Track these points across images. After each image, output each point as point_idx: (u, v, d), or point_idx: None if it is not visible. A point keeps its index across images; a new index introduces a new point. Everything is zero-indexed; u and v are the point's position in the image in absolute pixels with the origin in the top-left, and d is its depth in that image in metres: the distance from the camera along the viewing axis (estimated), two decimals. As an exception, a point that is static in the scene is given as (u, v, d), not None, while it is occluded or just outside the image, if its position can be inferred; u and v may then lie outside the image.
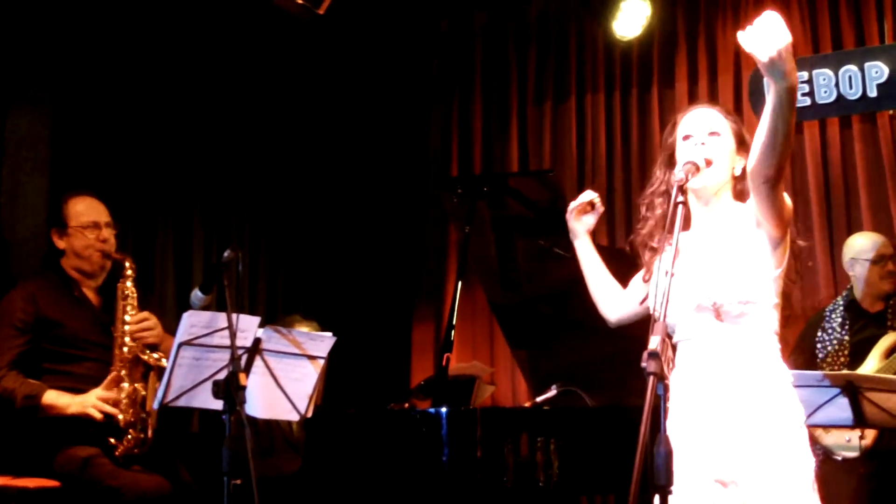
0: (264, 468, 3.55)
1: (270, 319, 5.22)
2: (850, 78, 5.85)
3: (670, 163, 3.27)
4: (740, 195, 3.21)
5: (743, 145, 3.22)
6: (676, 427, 3.10)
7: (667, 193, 3.26)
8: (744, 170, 3.17)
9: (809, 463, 3.03)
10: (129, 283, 4.49)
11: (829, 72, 5.91)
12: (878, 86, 5.79)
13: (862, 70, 5.81)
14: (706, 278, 3.11)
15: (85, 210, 4.56)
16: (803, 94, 5.99)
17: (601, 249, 5.82)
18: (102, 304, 4.59)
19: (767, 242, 3.10)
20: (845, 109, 5.95)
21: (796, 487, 2.98)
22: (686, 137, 3.21)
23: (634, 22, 6.47)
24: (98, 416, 4.25)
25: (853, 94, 5.85)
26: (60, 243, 4.55)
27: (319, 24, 6.46)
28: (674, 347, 3.18)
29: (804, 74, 5.98)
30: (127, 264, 4.51)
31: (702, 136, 3.19)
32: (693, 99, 6.48)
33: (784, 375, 3.08)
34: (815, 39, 6.18)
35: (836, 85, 5.89)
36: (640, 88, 6.73)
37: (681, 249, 3.16)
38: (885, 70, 5.75)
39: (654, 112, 6.64)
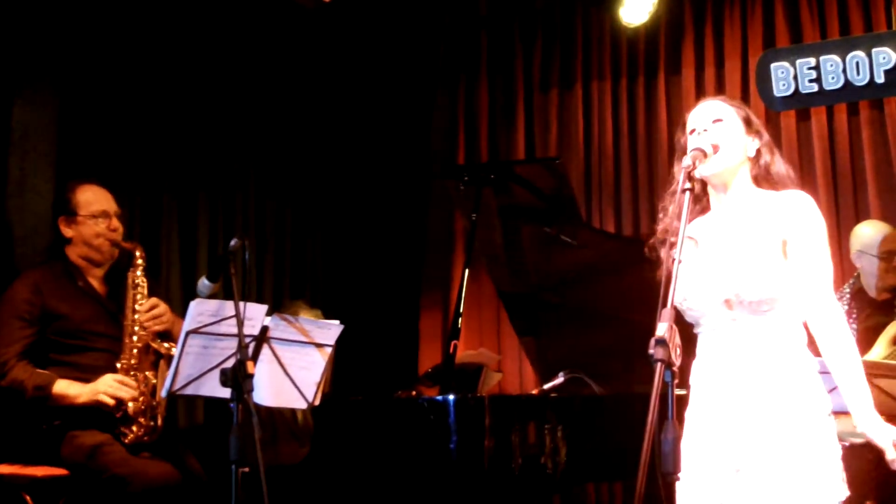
0: (267, 458, 3.55)
1: (277, 308, 5.22)
2: (857, 64, 5.83)
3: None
4: (758, 180, 3.19)
5: (751, 126, 3.20)
6: (699, 417, 3.11)
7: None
8: (758, 151, 3.17)
9: (837, 451, 3.00)
10: (139, 272, 4.50)
11: (836, 58, 5.89)
12: (886, 72, 5.77)
13: (869, 56, 5.79)
14: (731, 271, 3.06)
15: (94, 199, 4.56)
16: (810, 81, 5.98)
17: (608, 237, 5.87)
18: (108, 292, 4.59)
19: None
20: (853, 96, 5.94)
21: (824, 476, 2.95)
22: (692, 131, 3.19)
23: (641, 8, 6.45)
24: (109, 401, 4.26)
25: (861, 80, 5.83)
26: (68, 231, 4.54)
27: (325, 12, 6.47)
28: (681, 334, 3.17)
29: (811, 61, 5.97)
30: (137, 253, 4.52)
31: (705, 125, 3.17)
32: (700, 85, 6.48)
33: (810, 365, 3.04)
34: (822, 25, 6.16)
35: (844, 71, 5.87)
36: (646, 75, 6.71)
37: (701, 237, 3.18)
38: (893, 56, 5.73)
39: (661, 99, 6.63)
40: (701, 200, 3.22)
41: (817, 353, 3.13)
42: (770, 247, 3.06)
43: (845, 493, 2.96)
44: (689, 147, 3.15)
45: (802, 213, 3.08)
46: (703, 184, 3.19)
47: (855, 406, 2.96)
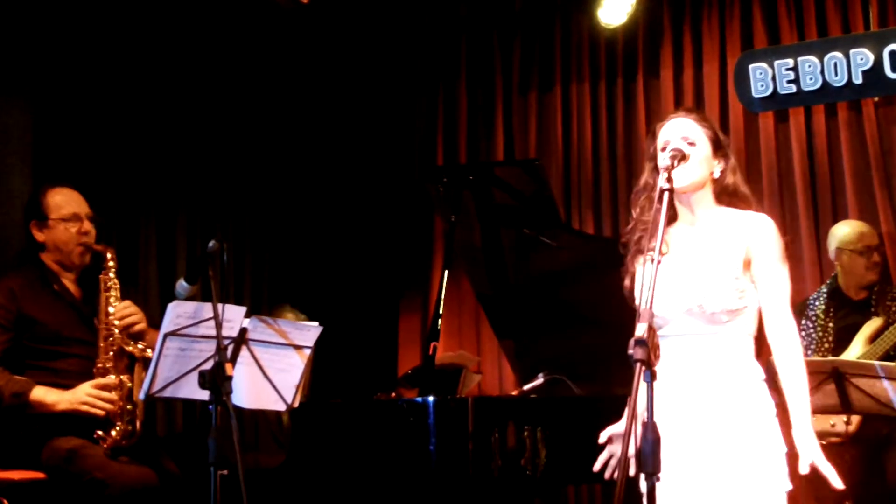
0: (248, 462, 3.53)
1: (256, 310, 5.20)
2: (835, 65, 5.84)
3: (657, 170, 3.37)
4: (720, 198, 3.40)
5: (719, 149, 3.39)
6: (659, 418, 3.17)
7: (654, 189, 3.36)
8: (722, 172, 3.38)
9: (782, 449, 3.23)
10: (111, 275, 4.46)
11: (814, 59, 5.90)
12: (864, 73, 5.78)
13: (847, 57, 5.80)
14: (698, 282, 3.26)
15: (65, 202, 4.52)
16: (788, 82, 5.99)
17: (588, 238, 5.88)
18: (83, 296, 4.55)
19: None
20: (831, 97, 5.95)
21: (772, 471, 3.19)
22: (664, 148, 3.33)
23: (619, 10, 6.45)
24: (96, 411, 4.23)
25: (838, 81, 5.84)
26: (40, 236, 4.50)
27: (303, 15, 6.46)
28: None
29: (789, 62, 5.99)
30: (108, 255, 4.48)
31: (678, 144, 3.32)
32: (678, 87, 6.49)
33: (758, 373, 3.28)
34: (800, 26, 6.17)
35: (822, 72, 5.88)
36: (625, 77, 6.72)
37: (670, 245, 3.34)
38: (871, 57, 5.74)
39: (640, 101, 6.63)
40: (671, 208, 3.33)
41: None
42: (733, 263, 3.27)
43: (789, 485, 3.20)
44: (666, 152, 3.28)
45: (767, 236, 3.32)
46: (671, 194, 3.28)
47: (795, 418, 3.22)
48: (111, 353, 4.37)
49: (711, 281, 3.24)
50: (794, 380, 3.23)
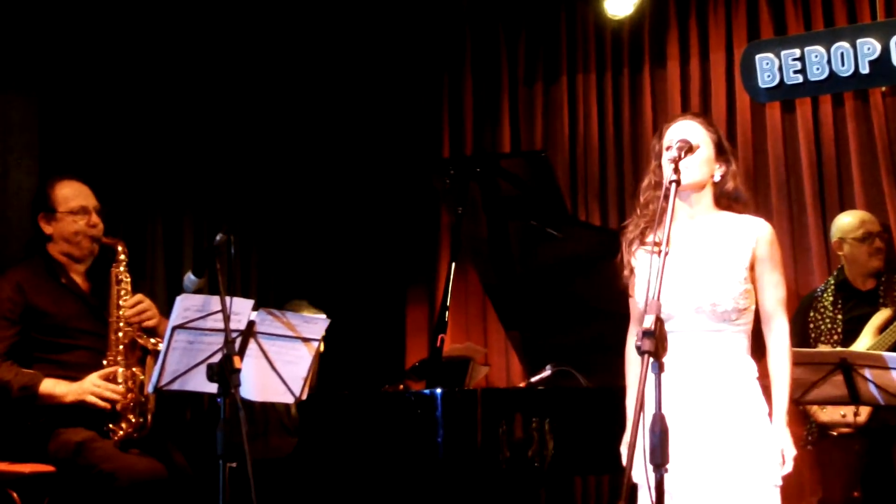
0: (257, 449, 3.54)
1: (263, 303, 5.20)
2: (842, 55, 5.83)
3: (661, 167, 3.41)
4: (719, 201, 3.47)
5: (722, 154, 3.46)
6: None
7: (659, 186, 3.41)
8: (723, 177, 3.45)
9: (772, 446, 3.28)
10: (122, 268, 4.46)
11: (821, 49, 5.89)
12: (871, 63, 5.77)
13: (854, 47, 5.79)
14: (708, 282, 3.33)
15: (73, 195, 4.51)
16: (795, 72, 5.98)
17: (594, 230, 5.87)
18: (91, 288, 4.56)
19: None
20: (837, 87, 5.94)
21: (765, 465, 3.27)
22: (668, 148, 3.36)
23: (626, 1, 6.44)
24: (99, 402, 4.23)
25: (845, 71, 5.83)
26: (48, 228, 4.50)
27: (308, 8, 6.46)
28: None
29: (796, 52, 5.97)
30: (119, 249, 4.48)
31: (685, 138, 3.36)
32: (685, 78, 6.48)
33: (752, 370, 3.36)
34: (806, 16, 6.16)
35: (829, 62, 5.87)
36: (631, 68, 6.70)
37: (673, 241, 3.30)
38: (878, 47, 5.74)
39: (646, 91, 6.62)
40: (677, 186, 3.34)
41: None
42: (741, 264, 3.35)
43: (779, 480, 3.27)
44: (673, 145, 3.30)
45: (768, 240, 3.42)
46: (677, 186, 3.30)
47: (776, 415, 3.32)
48: (122, 347, 4.38)
49: (723, 281, 3.31)
50: (778, 380, 3.35)
